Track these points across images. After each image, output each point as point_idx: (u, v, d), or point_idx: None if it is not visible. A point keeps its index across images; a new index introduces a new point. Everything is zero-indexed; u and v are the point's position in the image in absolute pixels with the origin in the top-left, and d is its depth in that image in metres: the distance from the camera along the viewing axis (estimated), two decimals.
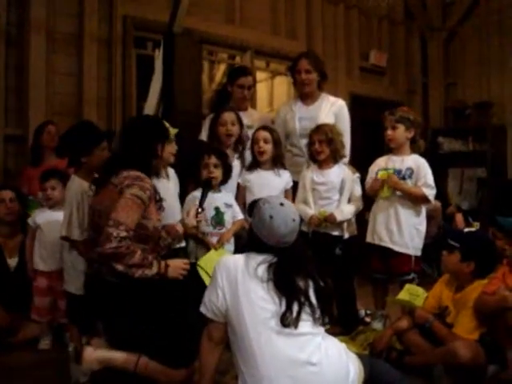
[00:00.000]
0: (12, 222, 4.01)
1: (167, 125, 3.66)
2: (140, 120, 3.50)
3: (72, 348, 2.84)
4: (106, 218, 2.82)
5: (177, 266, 2.99)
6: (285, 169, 4.15)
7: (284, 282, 2.41)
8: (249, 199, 3.96)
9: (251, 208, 2.71)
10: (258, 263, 2.45)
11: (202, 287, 3.33)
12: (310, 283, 2.46)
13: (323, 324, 2.45)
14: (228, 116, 4.09)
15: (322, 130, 4.02)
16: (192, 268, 3.35)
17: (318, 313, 2.42)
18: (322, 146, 4.00)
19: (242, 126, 4.16)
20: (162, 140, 3.16)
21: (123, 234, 2.73)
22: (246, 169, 4.15)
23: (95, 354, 2.83)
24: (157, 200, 3.07)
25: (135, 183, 2.86)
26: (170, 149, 3.58)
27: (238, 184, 4.10)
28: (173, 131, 3.54)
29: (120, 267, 2.72)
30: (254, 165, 4.11)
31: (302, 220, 4.01)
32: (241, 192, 4.09)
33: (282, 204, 2.55)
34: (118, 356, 2.85)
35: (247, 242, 2.69)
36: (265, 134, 4.03)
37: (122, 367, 2.84)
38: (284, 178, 4.10)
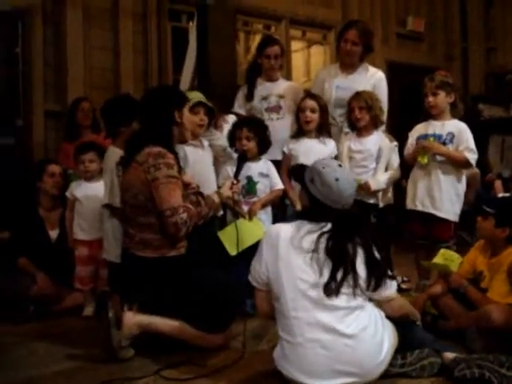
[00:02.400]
0: (56, 195, 4.11)
1: (196, 95, 3.70)
2: (152, 91, 3.54)
3: (112, 314, 2.93)
4: (130, 193, 3.01)
5: (225, 189, 3.35)
6: (330, 137, 4.14)
7: (335, 249, 2.40)
8: None
9: (297, 172, 2.68)
10: (307, 232, 2.46)
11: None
12: (360, 252, 2.43)
13: (365, 293, 2.45)
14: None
15: (361, 96, 4.01)
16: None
17: (360, 284, 2.41)
18: (361, 113, 3.99)
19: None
20: (177, 106, 3.18)
21: (184, 215, 2.90)
22: (291, 137, 4.18)
23: (135, 318, 2.93)
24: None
25: (160, 162, 2.94)
26: (196, 119, 3.62)
27: (283, 152, 4.13)
28: (192, 101, 3.53)
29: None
30: (299, 133, 4.12)
31: None
32: (286, 160, 4.11)
33: (340, 165, 2.56)
34: (156, 321, 2.95)
35: (305, 209, 2.65)
36: (312, 103, 4.03)
37: (160, 332, 2.94)
38: (329, 147, 4.09)
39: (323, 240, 2.42)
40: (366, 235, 2.48)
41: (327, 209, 2.48)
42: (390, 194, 4.20)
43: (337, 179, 2.45)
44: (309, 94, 4.24)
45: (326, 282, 2.37)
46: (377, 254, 2.46)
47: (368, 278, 2.43)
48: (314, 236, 2.44)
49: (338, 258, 2.40)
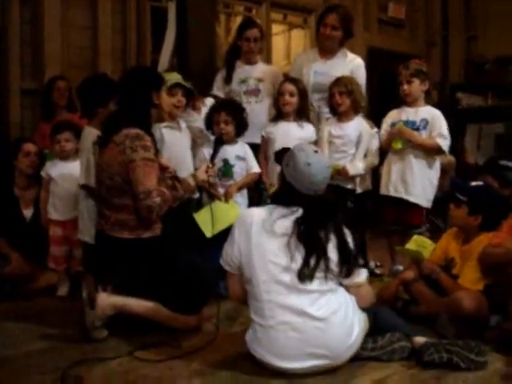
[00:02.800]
0: (31, 174, 4.07)
1: (174, 76, 3.69)
2: (131, 72, 3.50)
3: (86, 294, 2.93)
4: (106, 174, 3.00)
5: (201, 172, 3.34)
6: (309, 122, 4.15)
7: (307, 235, 2.43)
8: (271, 151, 4.00)
9: (280, 155, 2.70)
10: (279, 217, 2.47)
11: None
12: (332, 237, 2.47)
13: (337, 277, 2.49)
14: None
15: (341, 81, 4.02)
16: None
17: (332, 269, 2.44)
18: (342, 98, 4.00)
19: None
20: (155, 88, 3.19)
21: (157, 199, 2.91)
22: (270, 120, 4.19)
23: (109, 299, 2.94)
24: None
25: (137, 144, 2.94)
26: (174, 101, 3.62)
27: (262, 136, 4.13)
28: (170, 82, 3.53)
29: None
30: (278, 116, 4.13)
31: None
32: (264, 144, 4.12)
33: (316, 151, 2.57)
34: (131, 302, 2.97)
35: (277, 192, 2.72)
36: (290, 87, 4.02)
37: (134, 313, 2.95)
38: (307, 131, 4.09)
39: (296, 225, 2.44)
40: (339, 221, 2.51)
41: (298, 193, 2.50)
42: (368, 180, 4.23)
43: (308, 164, 2.47)
44: (288, 78, 4.24)
45: (299, 267, 2.40)
46: (349, 241, 2.50)
47: (340, 264, 2.46)
48: (287, 220, 2.46)
49: (310, 243, 2.42)
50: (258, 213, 2.55)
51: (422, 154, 3.95)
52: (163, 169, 3.22)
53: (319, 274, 2.42)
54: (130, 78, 3.28)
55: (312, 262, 2.40)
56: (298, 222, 2.44)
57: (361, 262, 2.61)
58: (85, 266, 3.70)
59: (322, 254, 2.42)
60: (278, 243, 2.44)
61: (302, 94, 4.06)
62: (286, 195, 2.57)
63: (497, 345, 2.78)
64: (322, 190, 2.53)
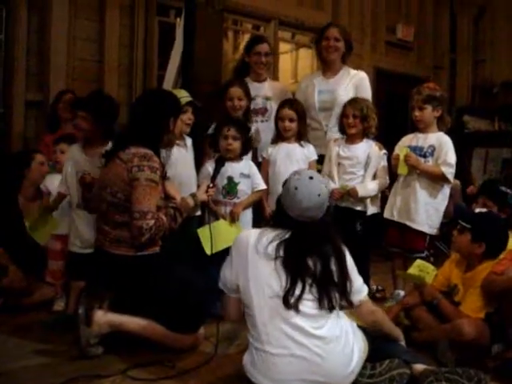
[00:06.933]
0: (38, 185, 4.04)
1: (185, 94, 3.68)
2: (152, 95, 3.45)
3: (82, 311, 2.89)
4: (109, 190, 2.98)
5: (201, 192, 3.40)
6: (309, 142, 4.12)
7: (292, 260, 2.39)
8: (271, 171, 4.01)
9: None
10: (270, 240, 2.44)
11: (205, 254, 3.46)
12: (321, 264, 2.42)
13: (330, 309, 2.42)
14: (235, 91, 4.03)
15: (358, 104, 3.99)
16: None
17: (324, 296, 2.40)
18: (355, 121, 3.97)
19: (249, 99, 4.11)
20: (174, 115, 3.20)
21: (151, 222, 2.88)
22: (270, 142, 4.16)
23: (105, 317, 2.90)
24: (163, 176, 3.14)
25: (144, 164, 2.93)
26: (185, 118, 3.61)
27: (263, 157, 4.12)
28: (184, 100, 3.55)
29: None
30: (278, 138, 4.10)
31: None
32: (264, 164, 4.09)
33: (311, 177, 2.48)
34: (127, 320, 2.93)
35: (273, 213, 2.75)
36: (290, 113, 4.00)
37: (131, 331, 2.92)
38: (308, 150, 4.06)
39: (281, 248, 2.41)
40: (327, 251, 2.45)
41: (286, 216, 2.48)
42: (378, 202, 4.17)
43: (296, 188, 2.44)
44: (287, 102, 4.15)
45: (285, 292, 2.36)
46: (335, 271, 2.44)
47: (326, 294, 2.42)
48: (276, 243, 2.43)
49: (294, 269, 2.39)
50: (254, 235, 2.52)
51: (427, 181, 3.88)
52: (169, 198, 3.20)
53: (310, 297, 2.38)
54: (150, 101, 3.24)
55: (297, 287, 2.37)
56: (284, 246, 2.41)
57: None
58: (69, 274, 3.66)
59: (312, 281, 2.39)
60: (271, 266, 2.41)
61: (301, 117, 4.04)
62: (279, 218, 2.56)
63: (497, 374, 2.74)
64: (313, 218, 2.46)
